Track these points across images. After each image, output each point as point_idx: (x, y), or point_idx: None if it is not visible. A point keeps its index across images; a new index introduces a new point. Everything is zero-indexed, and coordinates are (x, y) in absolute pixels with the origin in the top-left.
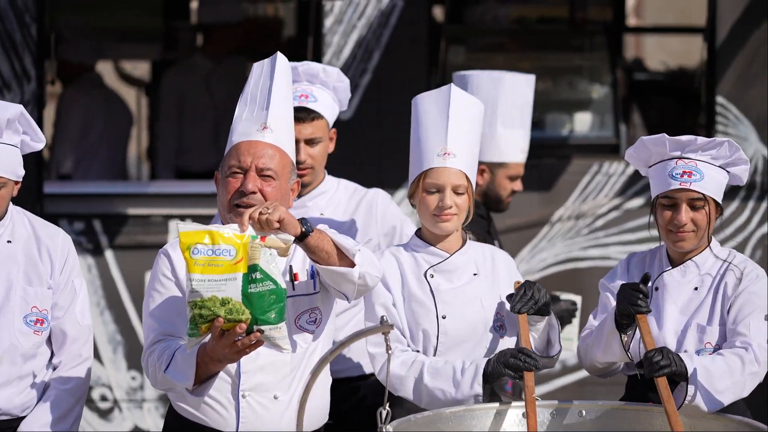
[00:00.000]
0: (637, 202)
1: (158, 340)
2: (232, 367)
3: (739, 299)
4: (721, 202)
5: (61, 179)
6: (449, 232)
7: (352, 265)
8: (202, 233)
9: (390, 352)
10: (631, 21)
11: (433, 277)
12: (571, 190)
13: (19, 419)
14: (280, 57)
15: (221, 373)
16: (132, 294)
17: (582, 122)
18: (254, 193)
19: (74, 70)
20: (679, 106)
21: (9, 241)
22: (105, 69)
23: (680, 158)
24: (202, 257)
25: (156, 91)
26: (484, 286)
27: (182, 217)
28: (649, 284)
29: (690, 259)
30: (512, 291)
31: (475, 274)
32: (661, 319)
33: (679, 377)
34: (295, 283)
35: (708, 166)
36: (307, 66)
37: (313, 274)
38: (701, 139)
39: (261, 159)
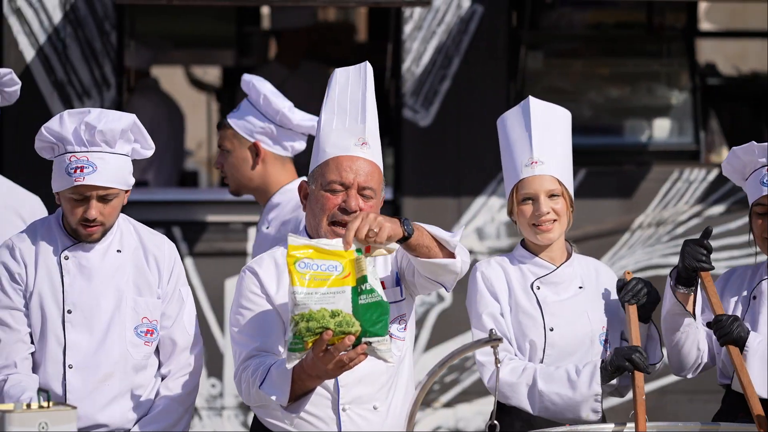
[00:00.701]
0: (718, 209)
1: (252, 355)
2: (329, 381)
3: None
4: None
5: (137, 186)
6: (551, 241)
7: (451, 254)
8: (308, 247)
9: (499, 364)
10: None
11: (539, 288)
12: (652, 196)
13: None
14: (369, 67)
15: (318, 388)
16: (211, 301)
17: (661, 128)
18: (356, 212)
19: (133, 75)
20: (753, 111)
21: (119, 251)
22: (175, 74)
23: None
24: (309, 271)
25: (229, 97)
26: (590, 299)
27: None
28: (749, 294)
29: None
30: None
31: (580, 287)
32: (756, 326)
33: (739, 341)
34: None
35: None
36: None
37: (398, 281)
38: None
39: (363, 177)
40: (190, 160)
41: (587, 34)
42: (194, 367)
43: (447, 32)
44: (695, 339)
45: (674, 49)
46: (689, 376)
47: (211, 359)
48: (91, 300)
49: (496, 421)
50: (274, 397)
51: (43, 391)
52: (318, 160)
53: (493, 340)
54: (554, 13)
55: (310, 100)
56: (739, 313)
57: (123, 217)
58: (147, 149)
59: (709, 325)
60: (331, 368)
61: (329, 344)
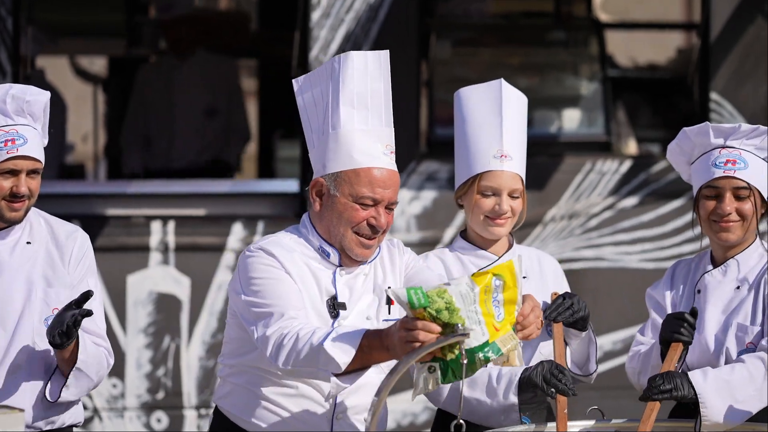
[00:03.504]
0: (631, 201)
1: (292, 317)
2: (327, 387)
3: None
4: (766, 196)
5: None
6: (501, 236)
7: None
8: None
9: (464, 361)
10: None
11: None
12: (564, 188)
13: None
14: (388, 56)
15: (315, 393)
16: (113, 298)
17: (571, 119)
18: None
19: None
20: (666, 102)
21: (28, 243)
22: (60, 64)
23: (723, 147)
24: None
25: (117, 89)
26: (534, 289)
27: (166, 218)
28: (693, 287)
29: (732, 257)
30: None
31: (524, 277)
32: (702, 322)
33: (687, 400)
34: (391, 307)
35: (752, 156)
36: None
37: None
38: (745, 126)
39: (392, 192)
40: (74, 154)
41: (495, 23)
42: (102, 358)
43: (356, 20)
44: None
45: (582, 39)
46: None
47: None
48: (1, 293)
49: (462, 420)
50: (337, 358)
51: None
52: (343, 164)
53: (460, 335)
54: (462, 2)
55: (203, 91)
56: (684, 308)
57: (32, 210)
58: (46, 136)
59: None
60: (402, 338)
61: (419, 317)
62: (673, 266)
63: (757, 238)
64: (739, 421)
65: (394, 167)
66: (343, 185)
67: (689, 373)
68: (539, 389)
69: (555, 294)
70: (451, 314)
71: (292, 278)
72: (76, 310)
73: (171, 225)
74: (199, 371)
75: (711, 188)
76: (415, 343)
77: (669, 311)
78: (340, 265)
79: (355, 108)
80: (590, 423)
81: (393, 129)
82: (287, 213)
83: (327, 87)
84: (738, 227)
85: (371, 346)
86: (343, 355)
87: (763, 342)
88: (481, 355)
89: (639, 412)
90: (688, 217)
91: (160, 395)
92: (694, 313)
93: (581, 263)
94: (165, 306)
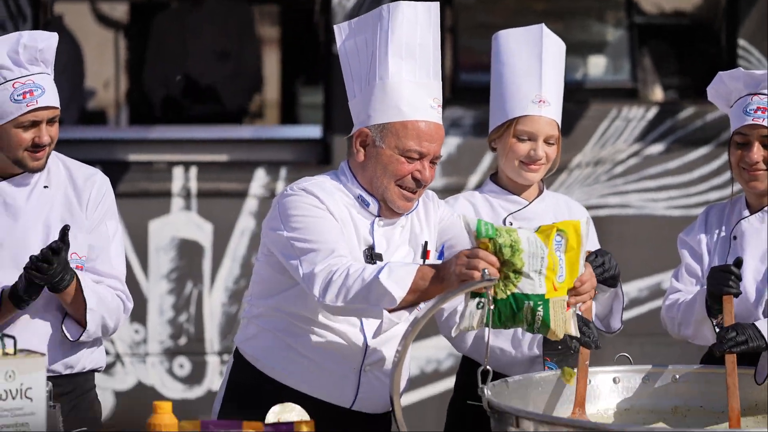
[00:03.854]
0: (657, 147)
1: (341, 254)
2: (358, 339)
3: None
4: None
5: None
6: (534, 182)
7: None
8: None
9: (491, 307)
10: None
11: (512, 224)
12: (590, 135)
13: (66, 377)
14: (438, 8)
15: (346, 345)
16: (135, 244)
17: (597, 66)
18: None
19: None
20: (693, 49)
21: (46, 187)
22: (81, 11)
23: (755, 94)
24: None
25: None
26: None
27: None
28: (728, 233)
29: None
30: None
31: None
32: (740, 269)
33: (761, 350)
34: (426, 261)
35: None
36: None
37: (442, 255)
38: None
39: (438, 146)
40: (96, 99)
41: None
42: (122, 297)
43: None
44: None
45: None
46: None
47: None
48: (18, 238)
49: (489, 367)
50: (392, 291)
51: (8, 337)
52: (391, 115)
53: (486, 281)
54: None
55: (219, 36)
56: (719, 254)
57: (51, 154)
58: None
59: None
60: (461, 264)
61: (482, 248)
62: (705, 211)
63: None
64: None
65: (441, 121)
66: (389, 137)
67: (757, 324)
68: (561, 342)
69: (588, 252)
70: (514, 253)
71: (335, 219)
72: (53, 244)
73: (193, 171)
74: (222, 317)
75: (740, 135)
76: (474, 272)
77: (705, 257)
78: (379, 216)
79: (404, 59)
80: (619, 368)
81: (441, 82)
82: (310, 159)
83: (374, 36)
84: (765, 176)
85: (426, 279)
86: (399, 288)
87: None
88: (531, 303)
89: (664, 358)
90: (714, 164)
91: (183, 341)
92: (738, 263)
93: (607, 210)
94: (187, 252)
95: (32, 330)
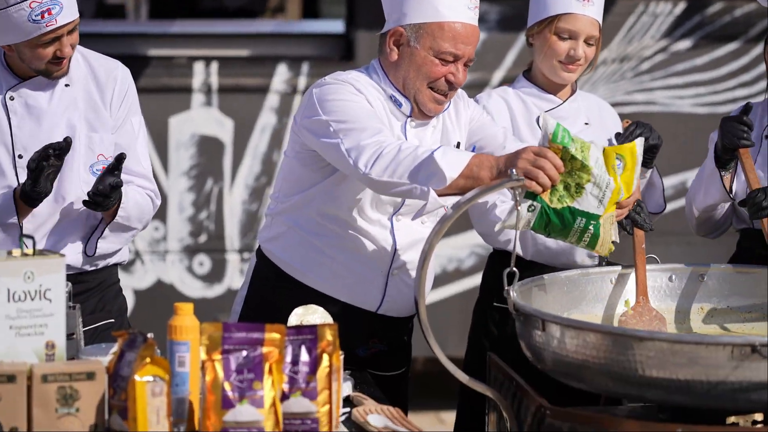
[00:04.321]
0: (684, 44)
1: (389, 135)
2: (387, 243)
3: None
4: None
5: None
6: (570, 81)
7: None
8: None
9: (519, 207)
10: None
11: None
12: (616, 31)
13: (91, 273)
14: None
15: (375, 248)
16: (155, 140)
17: None
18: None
19: None
20: None
21: (67, 85)
22: None
23: None
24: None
25: None
26: (596, 135)
27: (209, 58)
28: (764, 132)
29: None
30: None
31: (586, 123)
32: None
33: None
34: None
35: None
36: None
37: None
38: None
39: (473, 49)
40: None
41: None
42: (147, 204)
43: None
44: (730, 212)
45: None
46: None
47: None
48: (43, 142)
49: (515, 269)
50: (445, 169)
51: (28, 237)
52: (428, 15)
53: (516, 179)
54: None
55: None
56: (752, 154)
57: None
58: None
59: (742, 203)
60: (527, 159)
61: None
62: (740, 108)
63: None
64: None
65: (477, 23)
66: (425, 37)
67: None
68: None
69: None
70: (583, 167)
71: (374, 108)
72: (112, 179)
73: (214, 66)
74: (242, 215)
75: None
76: (539, 171)
77: None
78: (410, 116)
79: None
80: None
81: None
82: (332, 54)
83: None
84: None
85: (483, 166)
86: (451, 169)
87: None
88: (584, 221)
89: (689, 257)
90: (742, 60)
91: (203, 238)
92: (747, 110)
93: (632, 107)
94: (208, 148)
95: (61, 235)
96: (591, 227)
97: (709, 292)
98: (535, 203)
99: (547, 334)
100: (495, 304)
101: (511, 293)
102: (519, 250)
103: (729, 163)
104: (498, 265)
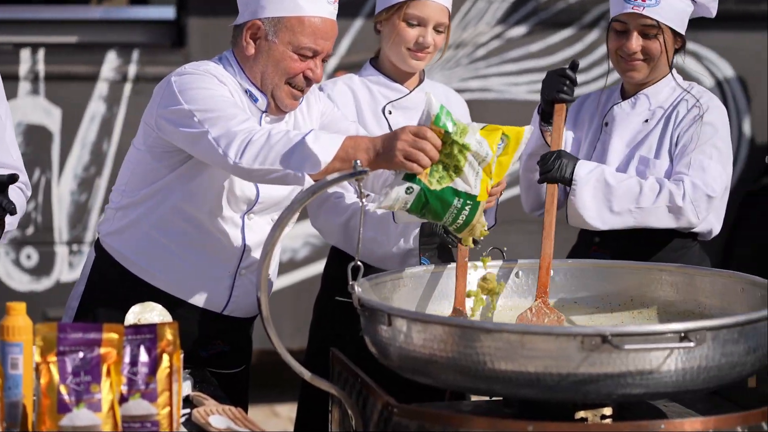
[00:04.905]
0: (520, 30)
1: (249, 119)
2: (237, 241)
3: (687, 132)
4: (684, 33)
5: None
6: (418, 70)
7: None
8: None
9: (363, 201)
10: None
11: (391, 113)
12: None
13: None
14: None
15: (225, 246)
16: None
17: None
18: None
19: None
20: None
21: None
22: None
23: None
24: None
25: None
26: None
27: (35, 45)
28: (604, 120)
29: (642, 91)
30: None
31: None
32: (606, 154)
33: (563, 183)
34: None
35: None
36: None
37: None
38: None
39: (331, 44)
40: None
41: None
42: (22, 195)
43: None
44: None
45: None
46: (538, 214)
47: None
48: None
49: (360, 262)
50: (318, 153)
51: None
52: (287, 9)
53: (358, 173)
54: None
55: None
56: (590, 142)
57: None
58: None
59: (539, 162)
60: (407, 141)
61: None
62: (581, 99)
63: (671, 72)
64: (601, 227)
65: (335, 18)
66: (283, 32)
67: (579, 162)
68: (437, 237)
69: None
70: (461, 150)
71: (235, 99)
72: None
73: (41, 53)
74: (71, 206)
75: (619, 23)
76: (419, 153)
77: (568, 149)
78: (266, 112)
79: None
80: (497, 263)
81: None
82: (163, 41)
83: None
84: (643, 66)
85: (358, 148)
86: (324, 152)
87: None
88: (461, 201)
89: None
90: (577, 47)
91: (30, 230)
92: (574, 66)
93: (468, 94)
94: (35, 138)
95: None
96: (466, 210)
97: (556, 287)
98: (413, 185)
99: (394, 328)
100: (337, 298)
101: (356, 288)
102: (351, 252)
103: (551, 117)
104: (340, 257)
